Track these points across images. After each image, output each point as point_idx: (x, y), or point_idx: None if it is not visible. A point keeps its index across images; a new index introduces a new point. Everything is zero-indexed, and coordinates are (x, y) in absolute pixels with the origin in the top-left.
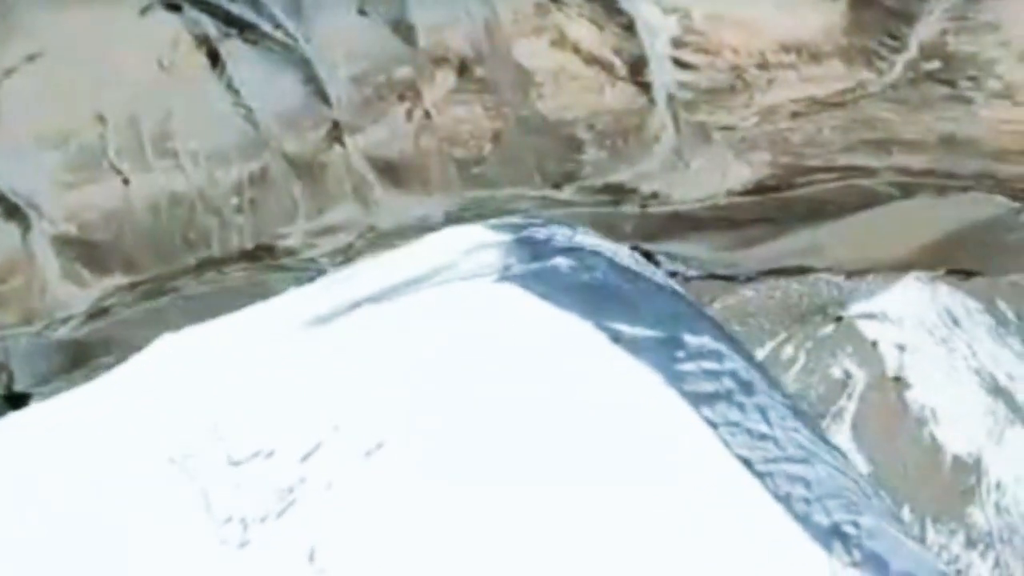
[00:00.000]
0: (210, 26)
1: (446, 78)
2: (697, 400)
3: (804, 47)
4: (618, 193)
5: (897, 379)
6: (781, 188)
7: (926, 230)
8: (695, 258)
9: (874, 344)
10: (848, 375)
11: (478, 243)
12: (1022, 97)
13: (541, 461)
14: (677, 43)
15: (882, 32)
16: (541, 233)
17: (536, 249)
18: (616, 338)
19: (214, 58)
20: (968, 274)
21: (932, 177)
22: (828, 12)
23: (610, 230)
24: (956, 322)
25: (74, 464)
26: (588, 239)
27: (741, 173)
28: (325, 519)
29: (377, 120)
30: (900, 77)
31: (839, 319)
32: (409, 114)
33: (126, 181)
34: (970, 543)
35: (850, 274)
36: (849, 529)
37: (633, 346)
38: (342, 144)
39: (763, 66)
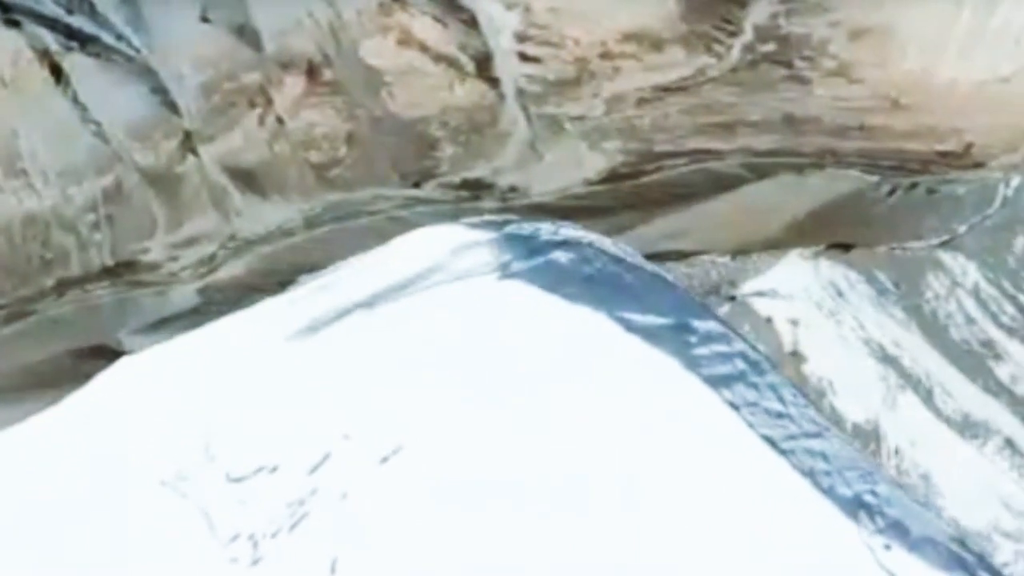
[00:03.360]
0: (51, 41)
1: (295, 82)
2: (716, 383)
3: (645, 36)
4: (477, 189)
5: (794, 353)
6: (635, 175)
7: (791, 208)
8: None
9: (769, 321)
10: None
11: (464, 242)
12: (856, 75)
13: (573, 457)
14: (520, 37)
15: (716, 17)
16: (526, 228)
17: (530, 244)
18: (630, 327)
19: (57, 73)
20: (846, 247)
21: (778, 157)
22: (663, 0)
23: None
24: (841, 295)
25: (57, 495)
26: (574, 232)
27: (595, 162)
28: (344, 529)
29: (229, 128)
30: (739, 60)
31: (732, 298)
32: (261, 120)
33: None
34: None
35: (734, 254)
36: (870, 498)
37: (647, 334)
38: (196, 154)
39: (606, 56)
